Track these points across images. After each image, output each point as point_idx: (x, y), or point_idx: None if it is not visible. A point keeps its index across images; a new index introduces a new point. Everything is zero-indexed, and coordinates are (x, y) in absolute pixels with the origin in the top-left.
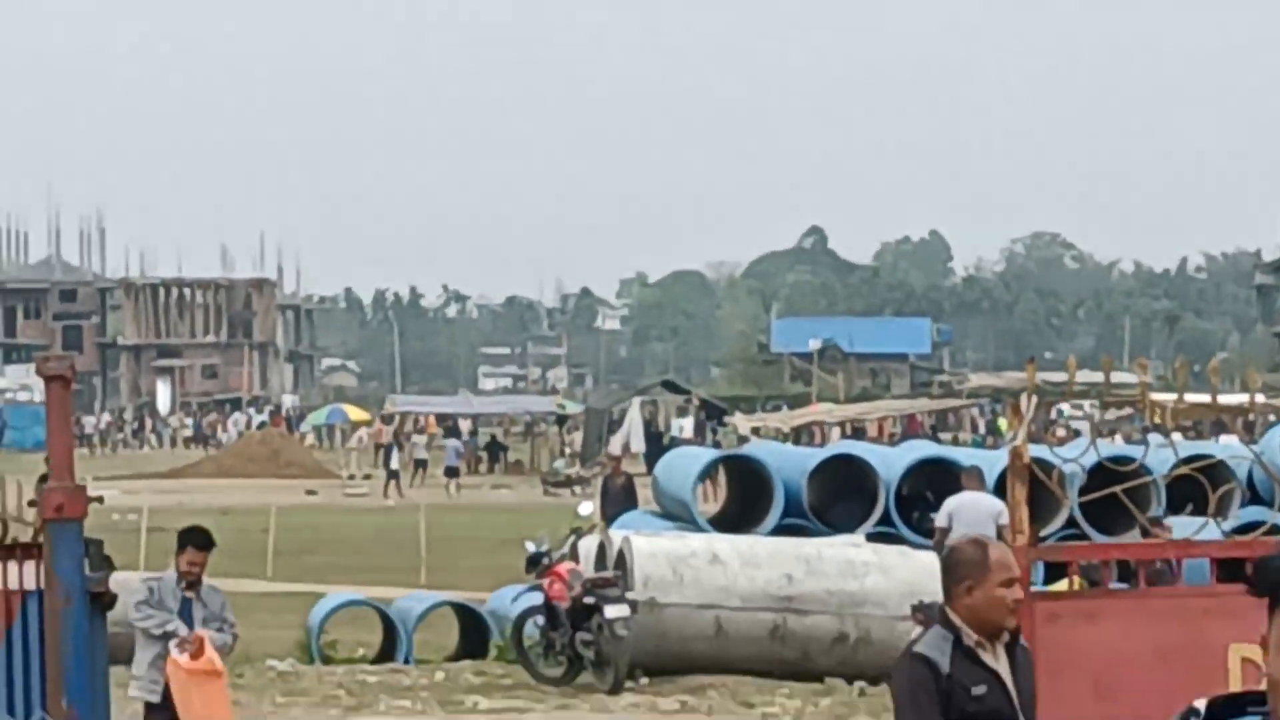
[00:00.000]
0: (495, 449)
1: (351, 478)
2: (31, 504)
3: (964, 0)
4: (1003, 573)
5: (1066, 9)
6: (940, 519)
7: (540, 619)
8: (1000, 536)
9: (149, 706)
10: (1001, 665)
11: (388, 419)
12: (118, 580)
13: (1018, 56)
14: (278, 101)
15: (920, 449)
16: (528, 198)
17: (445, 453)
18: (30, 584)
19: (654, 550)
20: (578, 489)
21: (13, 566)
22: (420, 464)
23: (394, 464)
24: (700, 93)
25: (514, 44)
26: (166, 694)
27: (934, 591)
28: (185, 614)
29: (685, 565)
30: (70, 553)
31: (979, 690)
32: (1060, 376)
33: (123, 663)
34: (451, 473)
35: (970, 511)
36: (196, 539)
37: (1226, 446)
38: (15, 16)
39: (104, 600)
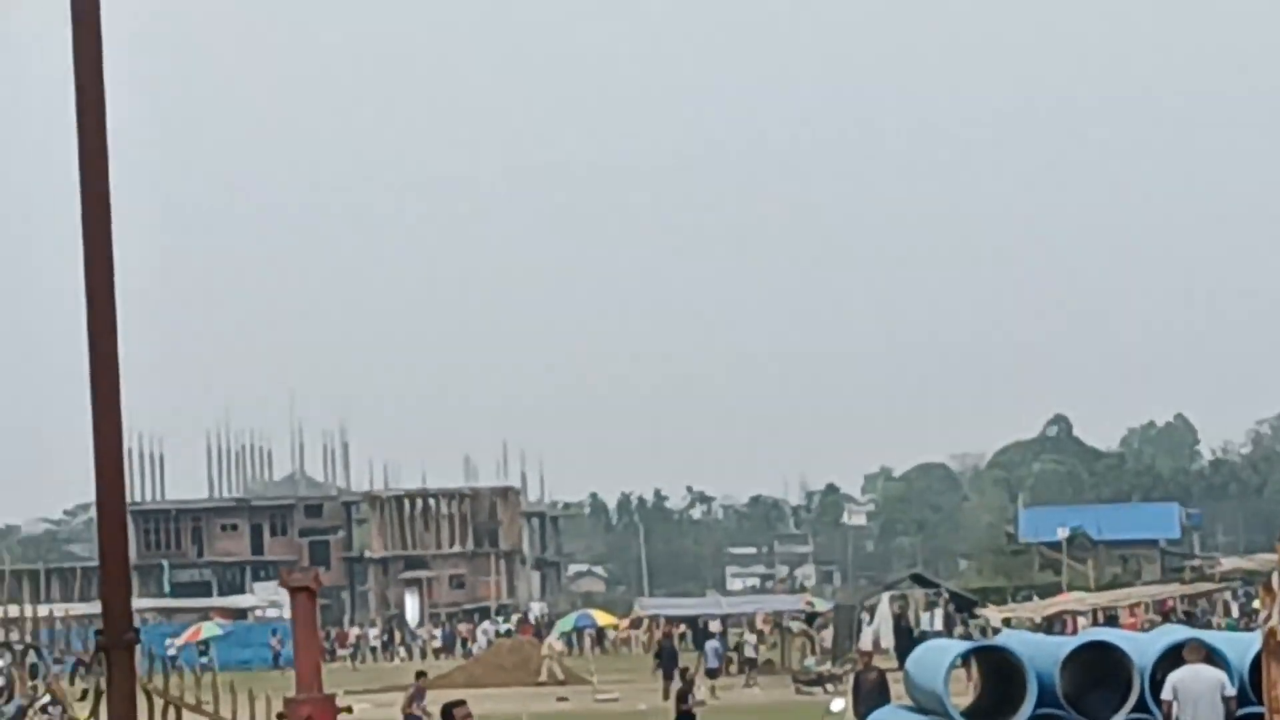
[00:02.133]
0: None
1: (542, 683)
2: (280, 716)
3: (1192, 193)
4: None
5: None
6: (1165, 693)
7: None
8: (1226, 707)
9: None
10: None
11: (636, 623)
12: None
13: (1255, 242)
14: (517, 311)
15: (1173, 634)
16: (769, 397)
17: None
18: None
19: None
20: (830, 686)
21: None
22: (749, 662)
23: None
24: (936, 284)
25: (753, 244)
26: None
27: None
28: None
29: None
30: None
31: None
32: None
33: None
34: (712, 674)
35: (1192, 684)
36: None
37: None
38: (252, 234)
39: None
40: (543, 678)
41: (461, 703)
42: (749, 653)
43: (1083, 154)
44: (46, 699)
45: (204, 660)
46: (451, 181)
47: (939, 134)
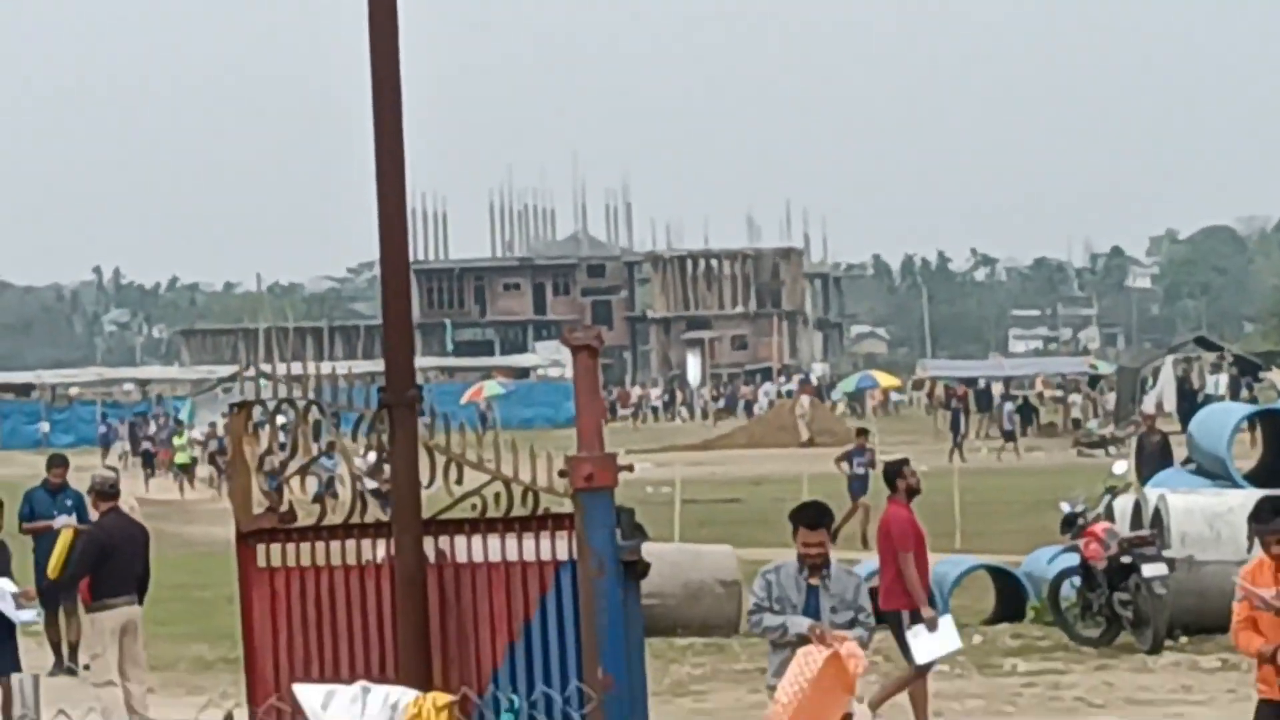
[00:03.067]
0: (1028, 411)
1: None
2: (562, 474)
3: None
4: None
5: None
6: None
7: (1077, 580)
8: None
9: None
10: None
11: (919, 385)
12: (651, 550)
13: None
14: (795, 65)
15: None
16: (1056, 158)
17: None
18: (563, 554)
19: (1190, 507)
20: (1112, 449)
21: (545, 537)
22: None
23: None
24: (1219, 49)
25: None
26: None
27: None
28: (811, 603)
29: (1223, 522)
30: (602, 521)
31: None
32: None
33: (658, 634)
34: (1009, 436)
35: None
36: (804, 516)
37: None
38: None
39: (637, 569)
40: (804, 438)
41: (905, 461)
42: (1076, 413)
43: None
44: (332, 456)
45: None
46: None
47: None
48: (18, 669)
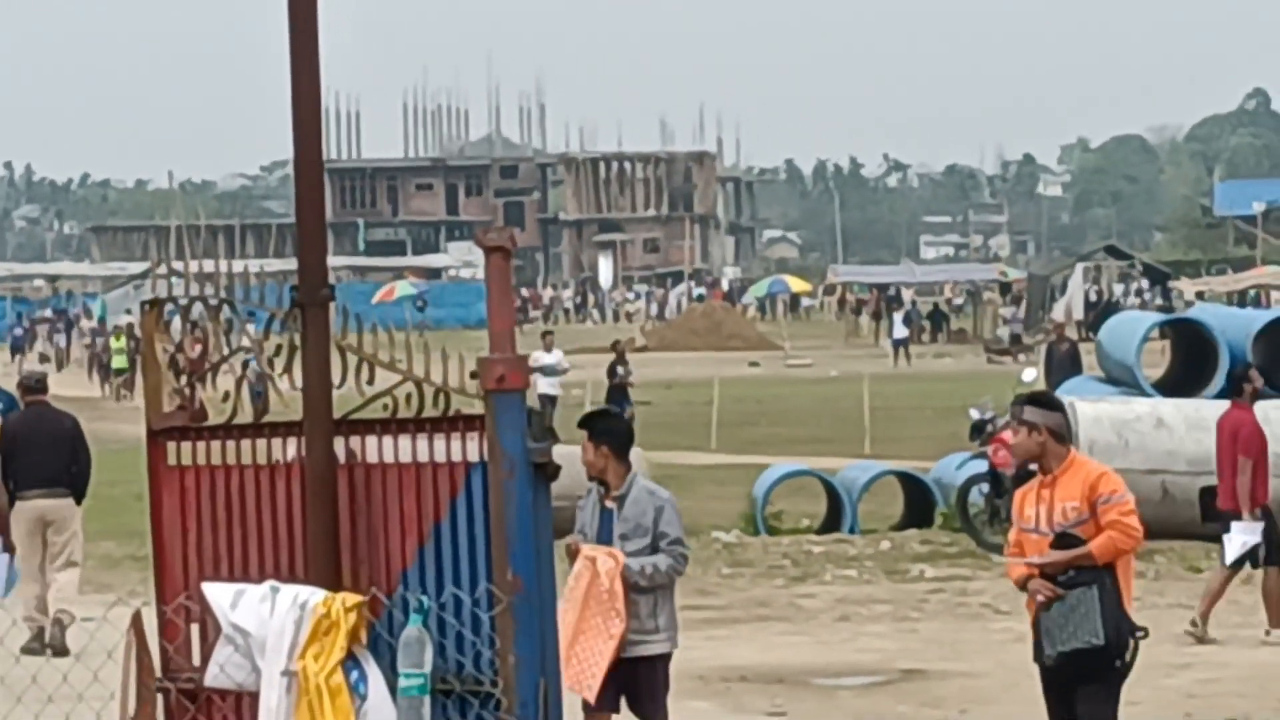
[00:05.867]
0: (938, 318)
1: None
2: (473, 376)
3: None
4: None
5: None
6: None
7: (985, 486)
8: None
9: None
10: None
11: (830, 290)
12: (562, 452)
13: None
14: None
15: None
16: (967, 65)
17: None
18: (474, 456)
19: (1099, 415)
20: (1021, 356)
21: (456, 438)
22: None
23: (897, 333)
24: None
25: None
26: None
27: None
28: (604, 530)
29: (1130, 430)
30: (513, 423)
31: None
32: None
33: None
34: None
35: None
36: (586, 424)
37: None
38: None
39: (548, 471)
40: (641, 344)
41: (1250, 365)
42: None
43: None
44: (245, 354)
45: None
46: None
47: None
48: None
